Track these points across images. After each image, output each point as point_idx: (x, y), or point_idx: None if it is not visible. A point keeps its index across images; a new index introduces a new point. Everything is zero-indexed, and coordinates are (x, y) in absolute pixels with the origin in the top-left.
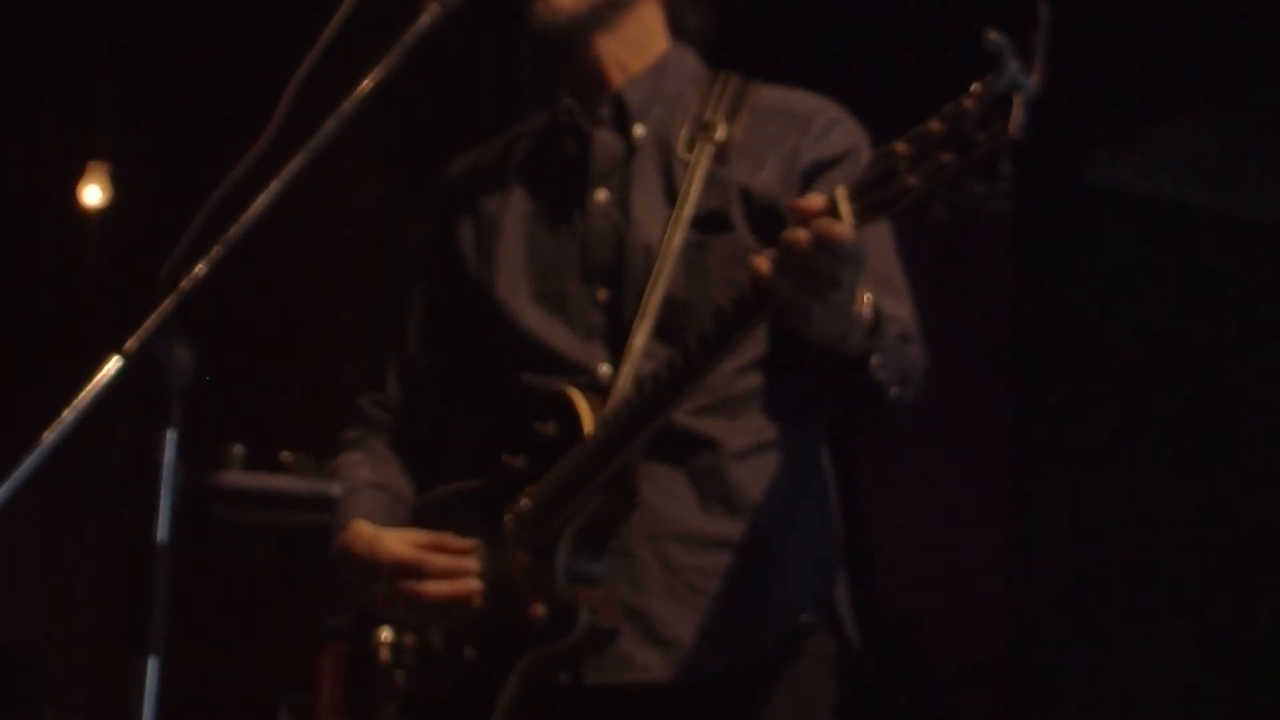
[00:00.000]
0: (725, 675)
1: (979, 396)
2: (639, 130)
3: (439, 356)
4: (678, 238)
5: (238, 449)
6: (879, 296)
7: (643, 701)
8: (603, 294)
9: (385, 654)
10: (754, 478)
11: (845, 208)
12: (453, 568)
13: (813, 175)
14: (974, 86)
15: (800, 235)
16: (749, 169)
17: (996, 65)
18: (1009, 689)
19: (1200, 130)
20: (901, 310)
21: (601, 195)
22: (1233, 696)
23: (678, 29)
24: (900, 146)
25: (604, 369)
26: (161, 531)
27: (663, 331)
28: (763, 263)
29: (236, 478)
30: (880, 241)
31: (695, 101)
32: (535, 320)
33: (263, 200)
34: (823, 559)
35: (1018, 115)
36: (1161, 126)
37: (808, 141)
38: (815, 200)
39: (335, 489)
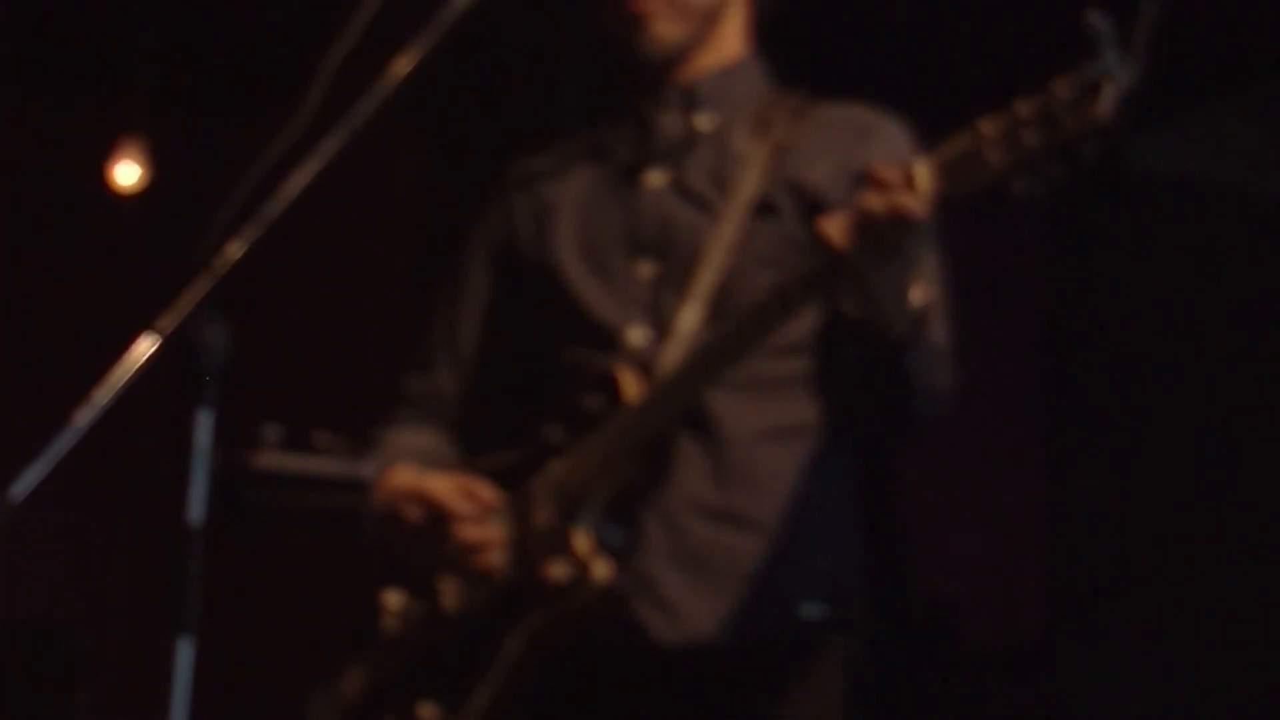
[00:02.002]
0: (725, 651)
1: (1017, 380)
2: (703, 121)
3: (492, 341)
4: (731, 224)
5: (272, 430)
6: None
7: (640, 663)
8: (646, 269)
9: (390, 613)
10: (774, 460)
11: (924, 179)
12: (484, 514)
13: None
14: (1068, 72)
15: (875, 201)
16: (803, 166)
17: (1093, 50)
18: (1045, 677)
19: (1241, 113)
20: (940, 331)
21: (656, 176)
22: (1275, 685)
23: (755, 35)
24: (985, 125)
25: (635, 332)
26: (195, 512)
27: (710, 313)
28: (831, 224)
29: (270, 459)
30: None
31: (759, 107)
32: (577, 281)
33: (298, 179)
34: (839, 553)
35: (1108, 100)
36: (1202, 110)
37: (865, 144)
38: (893, 168)
39: (369, 470)
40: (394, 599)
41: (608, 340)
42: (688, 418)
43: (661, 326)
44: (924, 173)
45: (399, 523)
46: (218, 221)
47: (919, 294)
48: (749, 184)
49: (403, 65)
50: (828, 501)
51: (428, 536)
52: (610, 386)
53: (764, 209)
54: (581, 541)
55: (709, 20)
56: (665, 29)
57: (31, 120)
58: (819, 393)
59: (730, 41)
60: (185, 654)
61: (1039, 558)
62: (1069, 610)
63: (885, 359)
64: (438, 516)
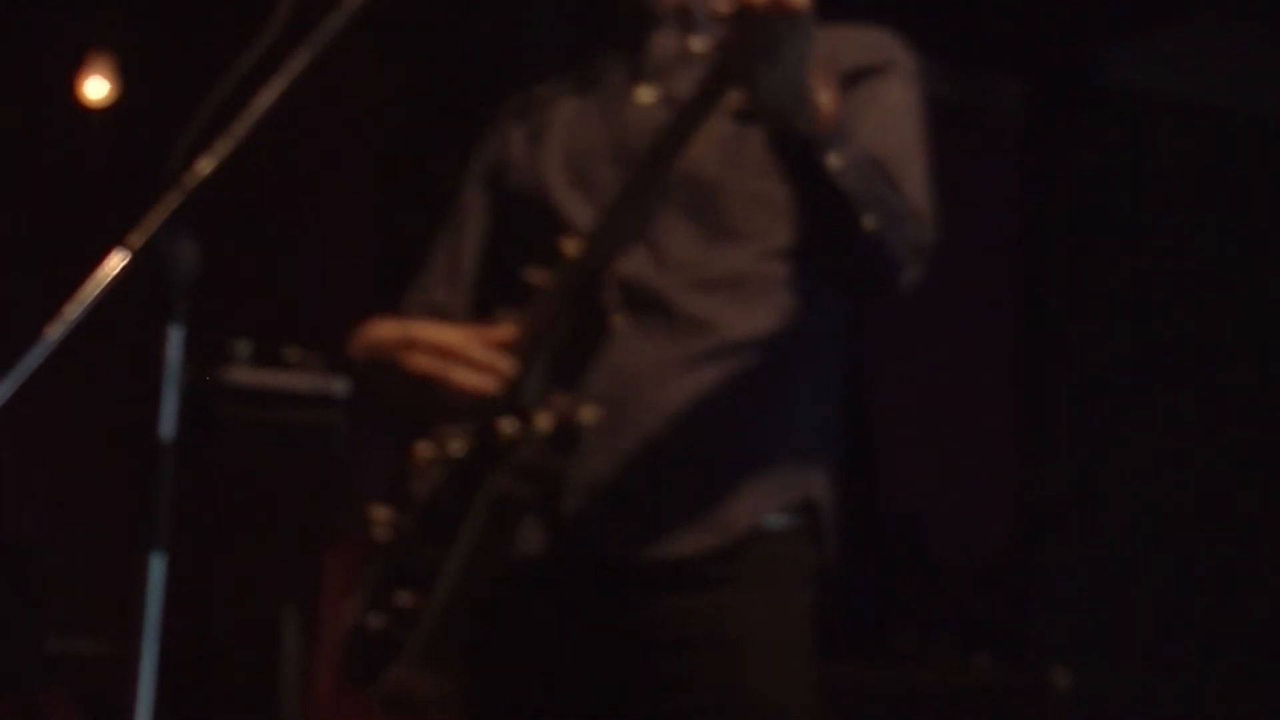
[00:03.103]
0: (693, 559)
1: (985, 297)
2: (696, 44)
3: (488, 265)
4: (713, 128)
5: (243, 345)
6: (888, 163)
7: (608, 575)
8: None
9: (378, 527)
10: (751, 368)
11: None
12: (493, 365)
13: (853, 78)
14: None
15: None
16: None
17: None
18: (1014, 591)
19: (1213, 27)
20: (913, 188)
21: (646, 92)
22: (1238, 602)
23: None
24: None
25: None
26: (166, 428)
27: (689, 210)
28: (722, 5)
29: (241, 374)
30: (904, 130)
31: None
32: (562, 198)
33: (267, 95)
34: (810, 464)
35: None
36: (1173, 24)
37: (849, 49)
38: None
39: (338, 385)
40: (381, 512)
41: None
42: (654, 326)
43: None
44: None
45: (379, 352)
46: (187, 137)
47: (827, 96)
48: (734, 93)
49: None
50: (804, 411)
51: (407, 356)
52: (554, 258)
53: (751, 115)
54: (530, 397)
55: None
56: None
57: (0, 35)
58: (801, 291)
59: None
60: (157, 569)
61: (1007, 470)
62: (1037, 522)
63: (805, 163)
64: (446, 355)
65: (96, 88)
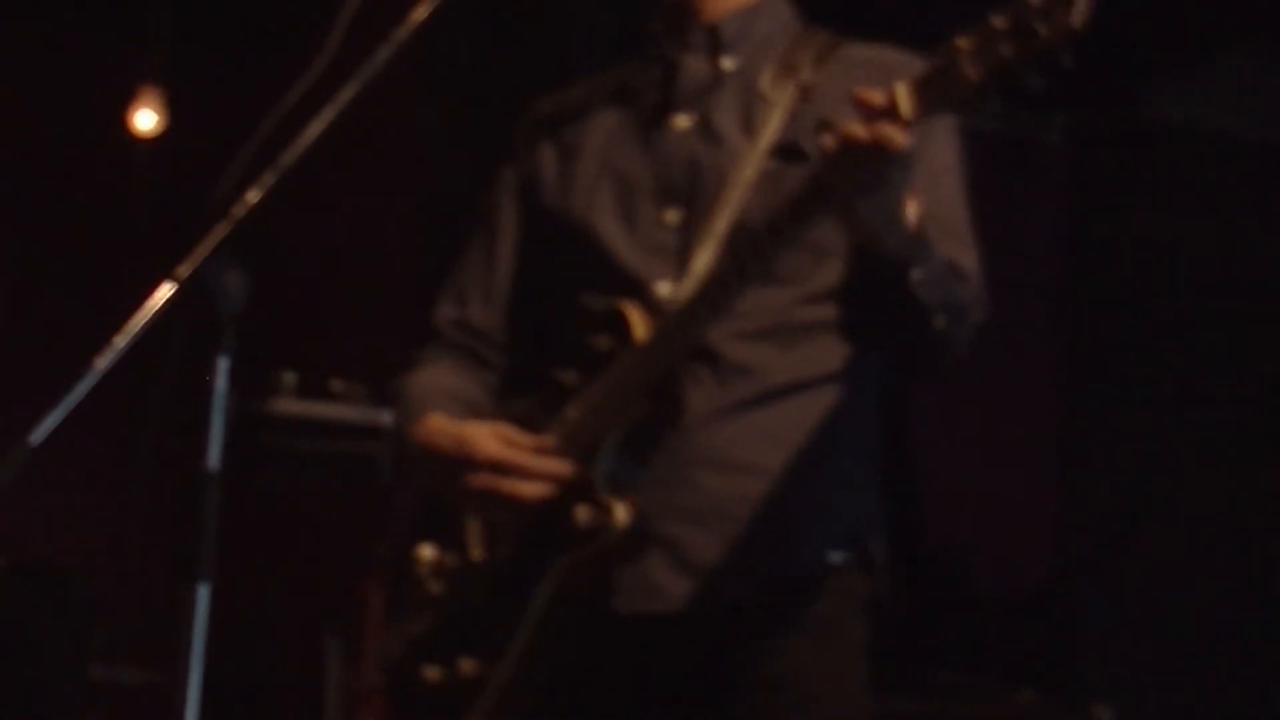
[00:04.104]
0: (749, 604)
1: (1032, 328)
2: (727, 63)
3: (521, 282)
4: (752, 166)
5: (289, 376)
6: (944, 244)
7: (669, 629)
8: (673, 215)
9: (424, 568)
10: (798, 410)
11: (905, 103)
12: (548, 471)
13: None
14: None
15: (858, 130)
16: (829, 107)
17: None
18: (1057, 622)
19: (1261, 63)
20: (965, 256)
21: (682, 120)
22: None
23: None
24: (962, 41)
25: (663, 287)
26: (212, 458)
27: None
28: (829, 140)
29: (287, 405)
30: (949, 187)
31: (785, 47)
32: (604, 229)
33: (315, 127)
34: (860, 496)
35: (1082, 6)
36: (1222, 59)
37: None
38: (876, 95)
39: (385, 417)
40: (426, 553)
41: (634, 292)
42: (699, 371)
43: (683, 270)
44: (905, 94)
45: (436, 462)
46: (235, 168)
47: (913, 211)
48: (773, 125)
49: (419, 12)
50: (850, 446)
51: (496, 497)
52: (618, 324)
53: (789, 151)
54: (601, 485)
55: None
56: None
57: (51, 67)
58: (847, 337)
59: None
60: (201, 599)
61: (1052, 502)
62: (1081, 555)
63: (890, 278)
64: (506, 471)
65: (145, 120)
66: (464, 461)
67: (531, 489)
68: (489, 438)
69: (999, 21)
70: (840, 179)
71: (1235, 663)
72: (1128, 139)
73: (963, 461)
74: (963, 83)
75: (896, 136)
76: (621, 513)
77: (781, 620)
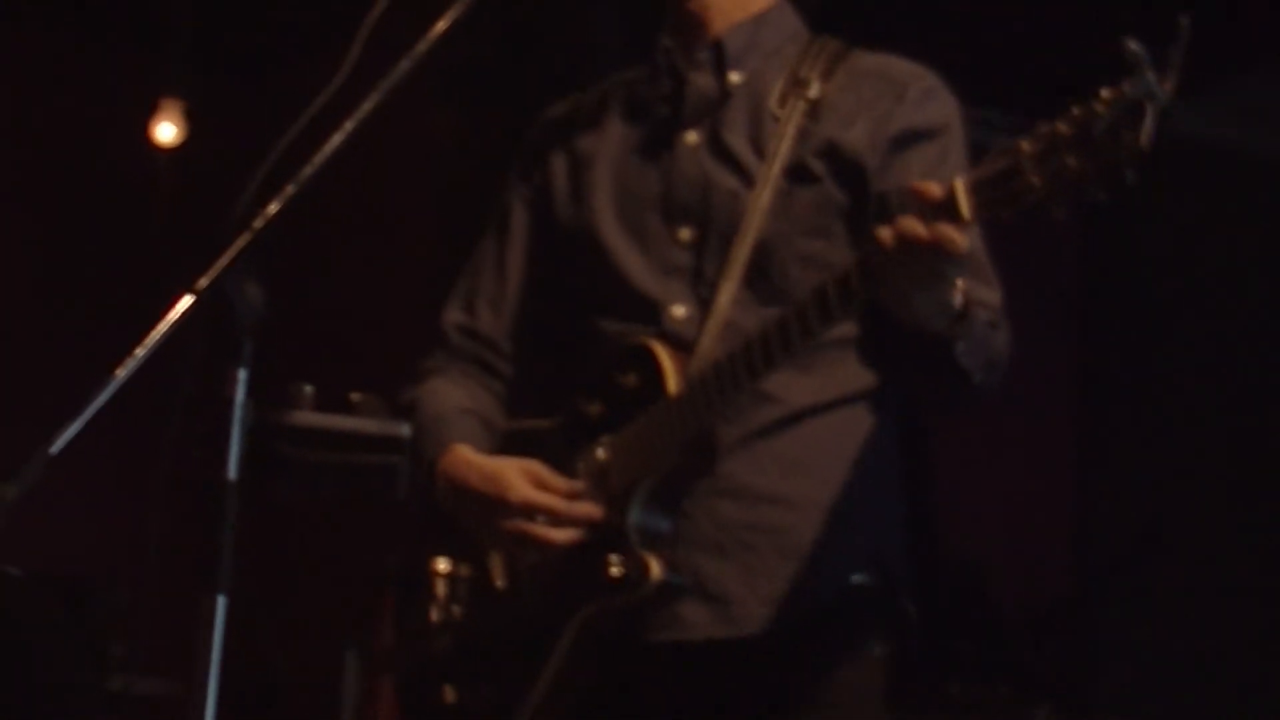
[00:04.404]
0: (774, 631)
1: (1048, 342)
2: (734, 77)
3: (531, 291)
4: (767, 192)
5: (307, 388)
6: (969, 281)
7: (692, 656)
8: (686, 233)
9: (440, 586)
10: (816, 435)
11: (965, 201)
12: (579, 517)
13: (902, 143)
14: (1104, 91)
15: (919, 231)
16: (839, 125)
17: (1132, 73)
18: (1074, 638)
19: (1276, 79)
20: (992, 296)
21: (692, 136)
22: None
23: None
24: (1025, 144)
25: (678, 310)
26: (231, 469)
27: (748, 281)
28: (886, 233)
29: (306, 417)
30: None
31: (792, 58)
32: (617, 249)
33: (335, 139)
34: (882, 518)
35: (1150, 127)
36: (1240, 77)
37: (901, 108)
38: (935, 188)
39: (404, 429)
40: (441, 565)
41: (650, 315)
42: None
43: (702, 297)
44: (964, 193)
45: (466, 499)
46: (255, 181)
47: (960, 289)
48: (784, 147)
49: (439, 26)
50: (870, 469)
51: (529, 540)
52: (646, 362)
53: (801, 174)
54: (634, 537)
55: None
56: None
57: (73, 79)
58: (868, 360)
59: None
60: (219, 609)
61: (1068, 518)
62: (1097, 573)
63: (932, 351)
64: (539, 515)
65: (166, 131)
66: (496, 502)
67: (563, 535)
68: (520, 478)
69: (1063, 127)
70: (895, 272)
71: (1252, 678)
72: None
73: (979, 477)
74: (1026, 188)
75: (957, 239)
76: (655, 570)
77: (804, 642)
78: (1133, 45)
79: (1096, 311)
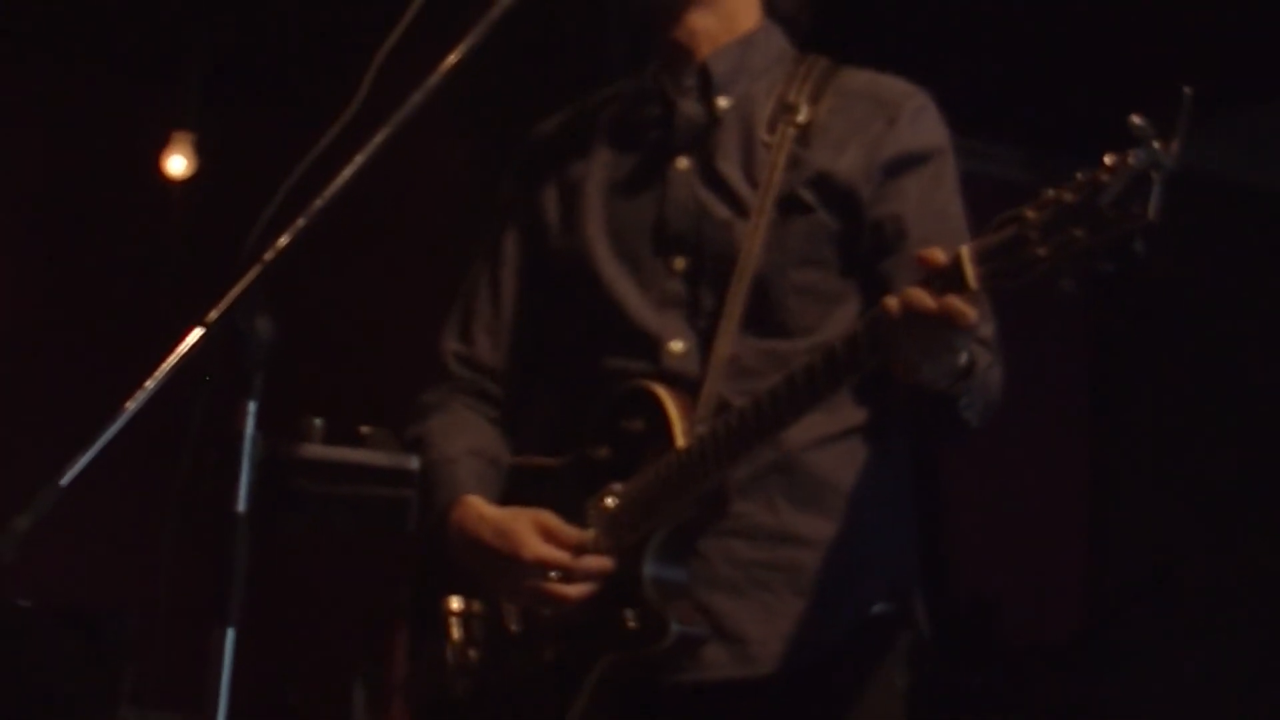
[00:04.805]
0: (797, 669)
1: (1059, 378)
2: (723, 102)
3: (525, 318)
4: (761, 224)
5: (317, 421)
6: None
7: (711, 696)
8: (680, 263)
9: (455, 626)
10: (827, 470)
11: (971, 271)
12: (592, 572)
13: (896, 169)
14: (1109, 159)
15: (927, 303)
16: (830, 153)
17: (1138, 144)
18: (1085, 674)
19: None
20: (986, 329)
21: (683, 163)
22: None
23: (771, 8)
24: (1030, 213)
25: (676, 345)
26: (241, 502)
27: (746, 315)
28: (893, 304)
29: (316, 450)
30: (961, 229)
31: (780, 81)
32: (611, 280)
33: (346, 173)
34: (897, 549)
35: (1158, 198)
36: (1240, 111)
37: (894, 131)
38: (940, 255)
39: (414, 463)
40: (455, 604)
41: (648, 350)
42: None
43: (700, 329)
44: (969, 263)
45: (478, 553)
46: (266, 214)
47: (965, 354)
48: (776, 176)
49: (449, 60)
50: (882, 499)
51: (544, 597)
52: (651, 408)
53: (794, 205)
54: (649, 589)
55: None
56: None
57: (84, 112)
58: (867, 400)
59: (741, 13)
60: (229, 642)
61: (1079, 557)
62: (1108, 609)
63: (935, 405)
64: (519, 558)
65: (177, 164)
66: (509, 559)
67: (576, 590)
68: (532, 535)
69: (1069, 196)
70: (903, 342)
71: (1265, 713)
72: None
73: (990, 513)
74: (1033, 259)
75: (966, 312)
76: (673, 624)
77: (825, 678)
78: (1136, 119)
79: (1106, 347)
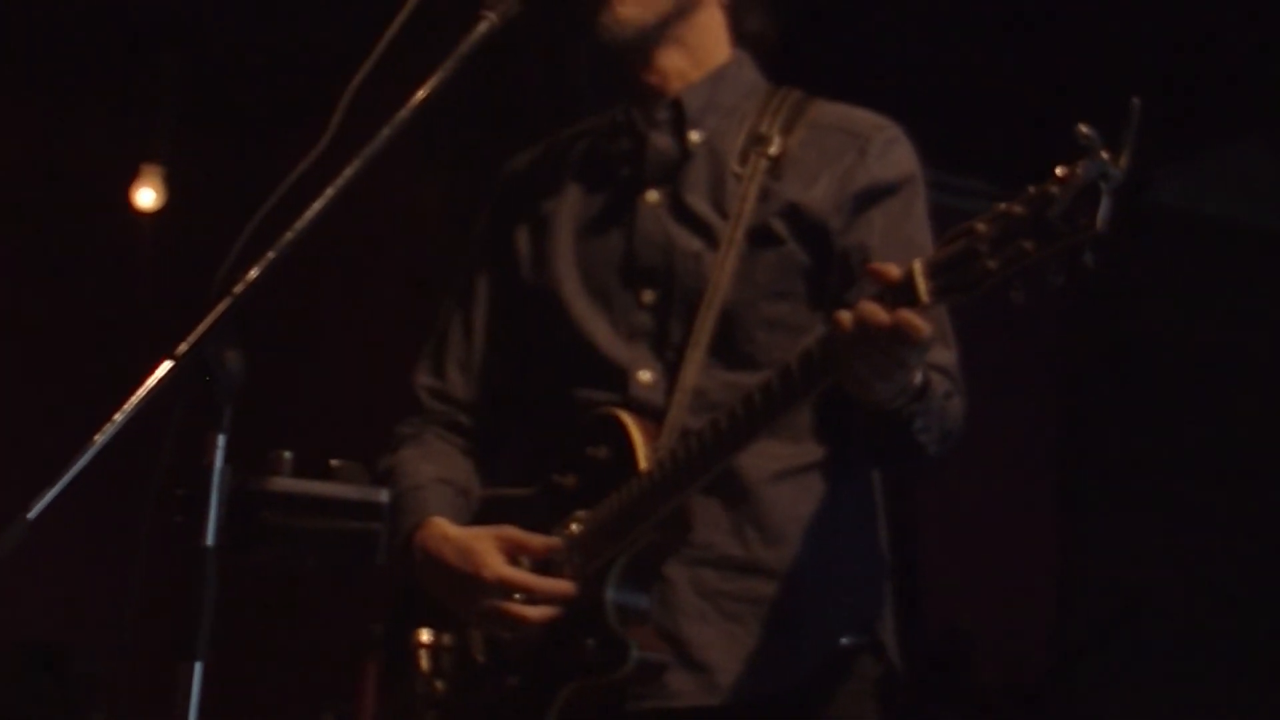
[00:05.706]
0: (762, 699)
1: (1030, 414)
2: (694, 136)
3: (497, 354)
4: (731, 255)
5: (286, 454)
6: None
7: None
8: (648, 295)
9: (424, 658)
10: (790, 501)
11: (923, 284)
12: (554, 594)
13: (865, 200)
14: (1059, 170)
15: (880, 317)
16: (801, 185)
17: (1086, 155)
18: (1056, 710)
19: (1257, 151)
20: (947, 357)
21: (653, 196)
22: None
23: (740, 33)
24: (981, 226)
25: (644, 375)
26: (209, 535)
27: (714, 346)
28: (846, 319)
29: (285, 483)
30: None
31: (752, 113)
32: (581, 314)
33: (316, 206)
34: (865, 581)
35: (1105, 209)
36: (1222, 148)
37: (864, 163)
38: (893, 270)
39: (384, 496)
40: (424, 636)
41: (616, 382)
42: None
43: (668, 361)
44: (921, 276)
45: (442, 573)
46: (236, 247)
47: (919, 371)
48: (747, 208)
49: (419, 94)
50: (846, 531)
51: (504, 618)
52: (616, 434)
53: (764, 237)
54: (611, 615)
55: (676, 12)
56: (628, 10)
57: (54, 144)
58: (829, 433)
59: (711, 47)
60: (196, 676)
61: (1050, 592)
62: (1079, 644)
63: (889, 427)
64: (515, 593)
65: (146, 197)
66: (471, 578)
67: (537, 613)
68: (494, 554)
69: (1018, 209)
70: (856, 358)
71: None
72: (1129, 225)
73: (961, 549)
74: (981, 272)
75: (917, 325)
76: (634, 650)
77: (791, 706)
78: (1084, 129)
79: (1079, 381)
